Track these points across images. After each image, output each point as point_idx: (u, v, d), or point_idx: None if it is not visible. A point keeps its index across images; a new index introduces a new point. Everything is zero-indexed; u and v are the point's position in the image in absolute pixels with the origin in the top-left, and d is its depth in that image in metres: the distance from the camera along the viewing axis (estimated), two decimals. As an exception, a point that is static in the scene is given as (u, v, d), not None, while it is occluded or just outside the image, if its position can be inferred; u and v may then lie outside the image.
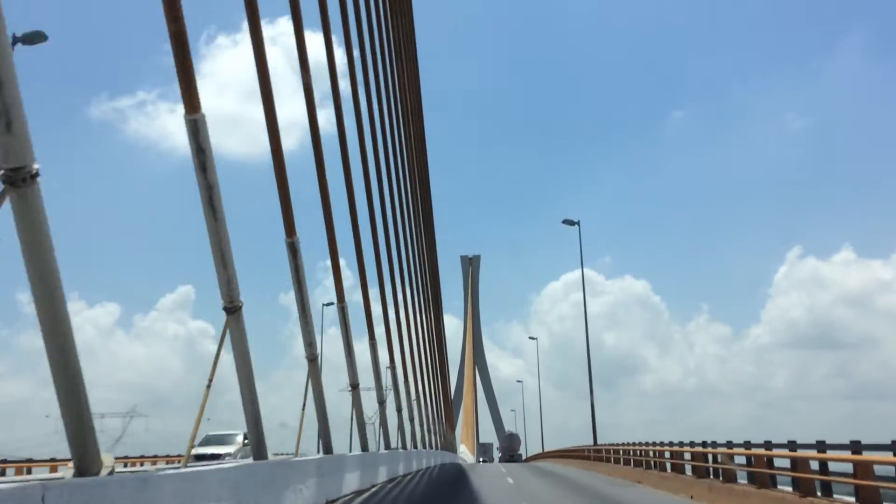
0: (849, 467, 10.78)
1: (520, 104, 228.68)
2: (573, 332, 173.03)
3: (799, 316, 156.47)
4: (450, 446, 55.67)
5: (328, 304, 58.67)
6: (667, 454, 21.79)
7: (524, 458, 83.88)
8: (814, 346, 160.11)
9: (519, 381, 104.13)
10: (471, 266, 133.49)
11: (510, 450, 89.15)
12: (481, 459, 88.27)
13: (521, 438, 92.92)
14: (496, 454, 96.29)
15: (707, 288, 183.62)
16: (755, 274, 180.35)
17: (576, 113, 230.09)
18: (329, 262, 17.15)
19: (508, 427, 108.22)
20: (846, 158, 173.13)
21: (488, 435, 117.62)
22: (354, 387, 18.31)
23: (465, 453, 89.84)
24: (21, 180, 5.92)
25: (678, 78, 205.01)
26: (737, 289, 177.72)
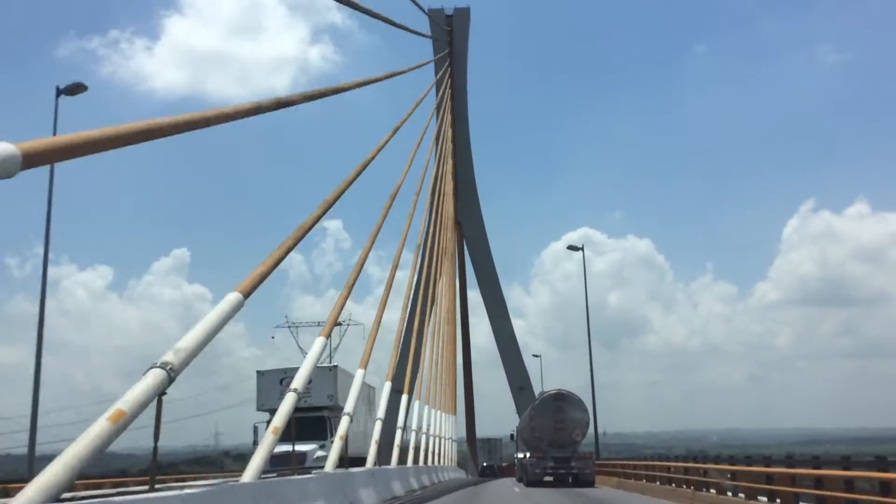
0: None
1: (521, 33, 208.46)
2: (576, 291, 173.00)
3: (809, 272, 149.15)
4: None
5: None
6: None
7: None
8: (823, 303, 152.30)
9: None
10: (450, 29, 57.78)
11: (563, 445, 29.03)
12: (483, 464, 51.42)
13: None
14: (510, 455, 46.00)
15: (713, 245, 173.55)
16: (764, 229, 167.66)
17: (587, 45, 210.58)
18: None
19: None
20: (877, 101, 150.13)
21: (492, 404, 69.77)
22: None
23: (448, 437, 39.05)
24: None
25: (703, 5, 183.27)
26: (744, 245, 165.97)
